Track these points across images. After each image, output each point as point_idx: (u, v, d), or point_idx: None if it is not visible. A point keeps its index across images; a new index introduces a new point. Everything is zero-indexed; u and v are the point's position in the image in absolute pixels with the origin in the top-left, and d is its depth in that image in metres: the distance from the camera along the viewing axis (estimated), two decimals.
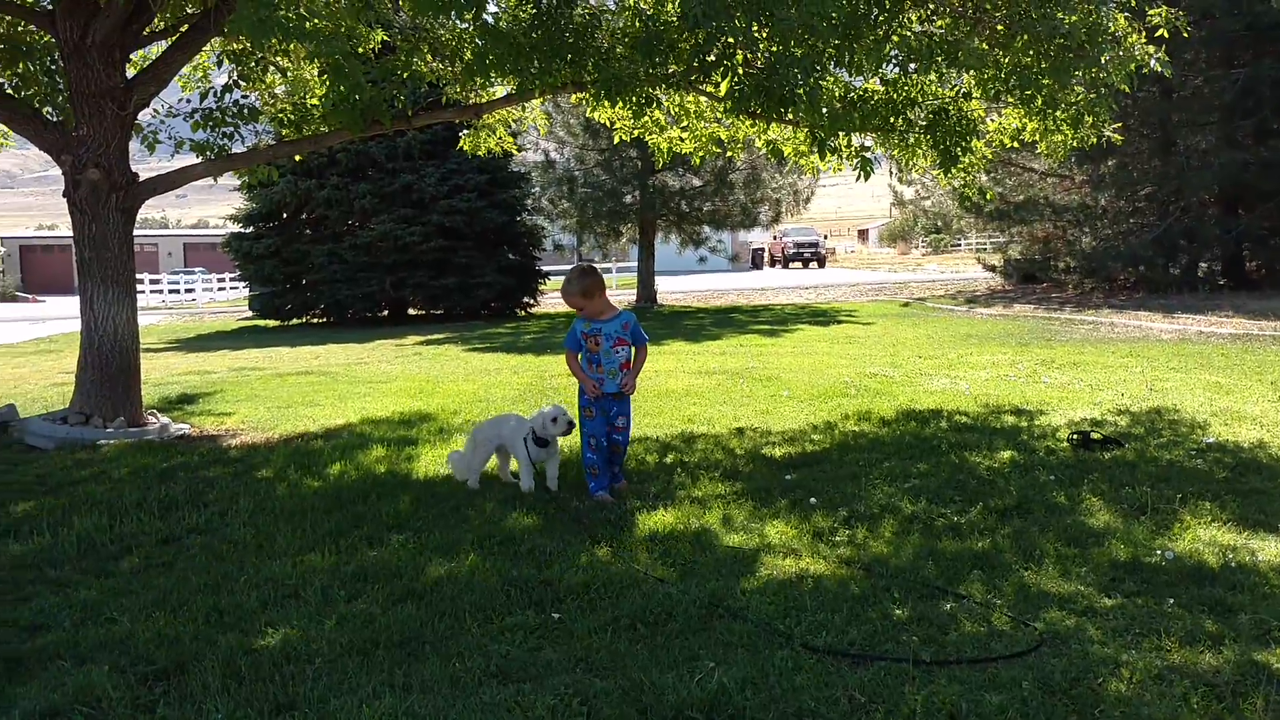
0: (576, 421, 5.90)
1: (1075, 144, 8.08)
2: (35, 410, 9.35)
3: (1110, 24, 7.00)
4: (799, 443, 7.27)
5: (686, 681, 3.29)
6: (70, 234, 8.42)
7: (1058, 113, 7.58)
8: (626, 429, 5.92)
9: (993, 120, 8.53)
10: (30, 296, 50.00)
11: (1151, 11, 7.53)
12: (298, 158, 17.75)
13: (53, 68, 9.10)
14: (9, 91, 8.83)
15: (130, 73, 8.61)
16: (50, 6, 8.19)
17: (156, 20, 8.65)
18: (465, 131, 10.20)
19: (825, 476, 6.16)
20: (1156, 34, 7.60)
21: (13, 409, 8.51)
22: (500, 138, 10.08)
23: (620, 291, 33.09)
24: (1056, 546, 4.66)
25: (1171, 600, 3.96)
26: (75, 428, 8.04)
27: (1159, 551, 4.54)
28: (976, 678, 3.33)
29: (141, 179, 8.58)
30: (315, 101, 9.28)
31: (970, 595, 4.09)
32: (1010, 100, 7.50)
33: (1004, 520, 5.15)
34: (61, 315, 31.14)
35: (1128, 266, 24.03)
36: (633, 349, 5.90)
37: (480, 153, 10.14)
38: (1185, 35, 7.62)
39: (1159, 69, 7.30)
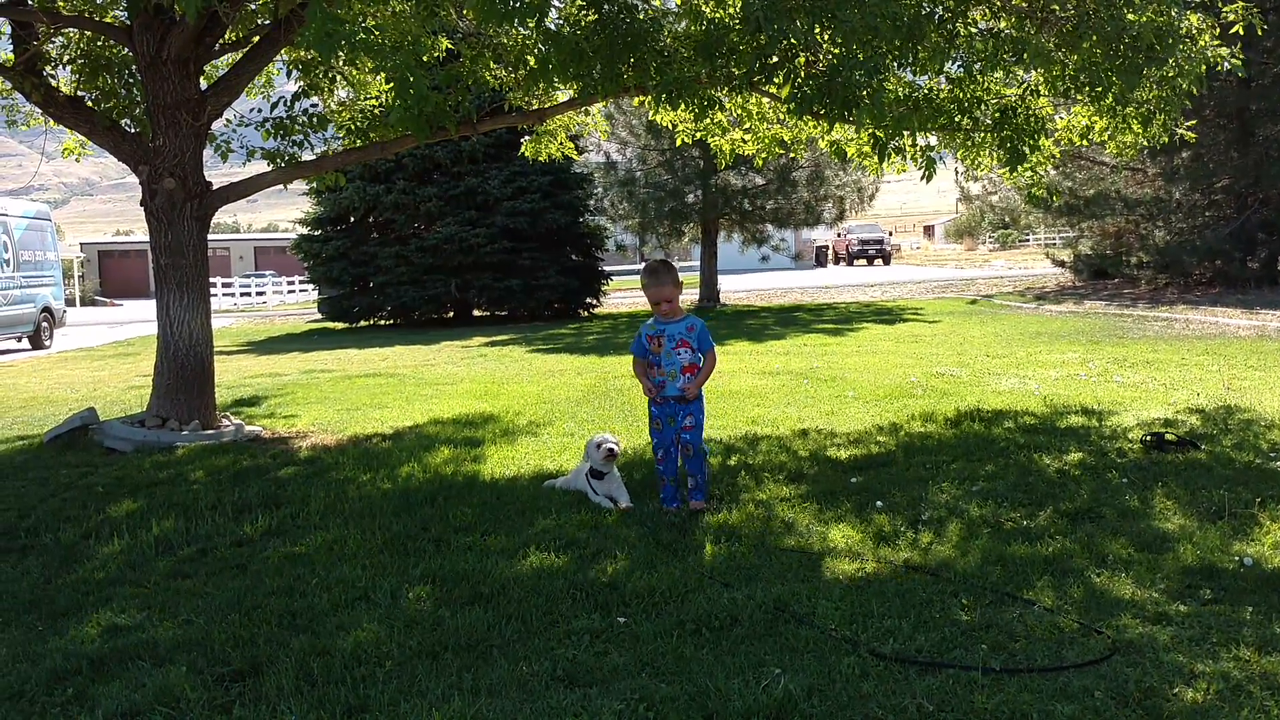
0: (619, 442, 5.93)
1: (1145, 143, 7.91)
2: (114, 413, 9.63)
3: (1181, 23, 6.81)
4: (864, 444, 7.21)
5: (753, 688, 3.30)
6: (146, 239, 8.65)
7: (1128, 110, 7.42)
8: (695, 427, 5.66)
9: (1061, 119, 8.38)
10: (108, 300, 51.40)
11: (1227, 9, 7.33)
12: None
13: (130, 81, 9.35)
14: (90, 104, 9.11)
15: (203, 84, 8.82)
16: (128, 22, 8.42)
17: (228, 33, 8.86)
18: (526, 138, 10.28)
19: (891, 479, 6.11)
20: (1231, 30, 7.39)
21: (93, 412, 8.75)
22: (561, 143, 10.14)
23: (683, 291, 33.04)
24: (1129, 551, 4.58)
25: (1250, 608, 3.86)
26: (152, 430, 8.26)
27: (1236, 557, 4.43)
28: (1048, 686, 3.28)
29: (215, 187, 8.79)
30: (374, 102, 9.45)
31: (1039, 601, 4.03)
32: (1080, 97, 7.36)
33: (1074, 524, 5.06)
34: (138, 319, 31.97)
35: (1204, 261, 23.40)
36: (697, 353, 5.69)
37: (541, 158, 10.23)
38: (1260, 32, 7.42)
39: (1231, 68, 7.11)
